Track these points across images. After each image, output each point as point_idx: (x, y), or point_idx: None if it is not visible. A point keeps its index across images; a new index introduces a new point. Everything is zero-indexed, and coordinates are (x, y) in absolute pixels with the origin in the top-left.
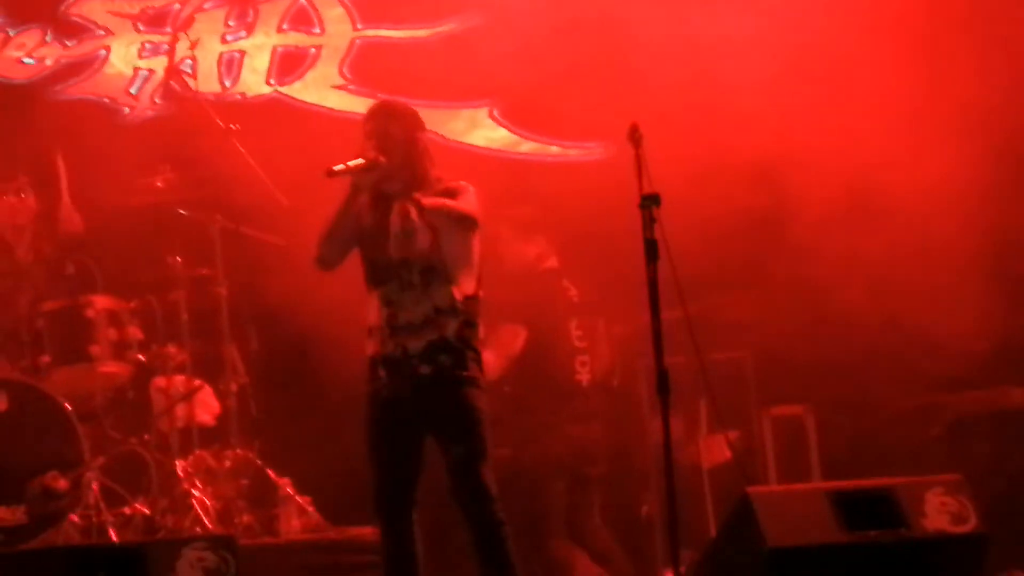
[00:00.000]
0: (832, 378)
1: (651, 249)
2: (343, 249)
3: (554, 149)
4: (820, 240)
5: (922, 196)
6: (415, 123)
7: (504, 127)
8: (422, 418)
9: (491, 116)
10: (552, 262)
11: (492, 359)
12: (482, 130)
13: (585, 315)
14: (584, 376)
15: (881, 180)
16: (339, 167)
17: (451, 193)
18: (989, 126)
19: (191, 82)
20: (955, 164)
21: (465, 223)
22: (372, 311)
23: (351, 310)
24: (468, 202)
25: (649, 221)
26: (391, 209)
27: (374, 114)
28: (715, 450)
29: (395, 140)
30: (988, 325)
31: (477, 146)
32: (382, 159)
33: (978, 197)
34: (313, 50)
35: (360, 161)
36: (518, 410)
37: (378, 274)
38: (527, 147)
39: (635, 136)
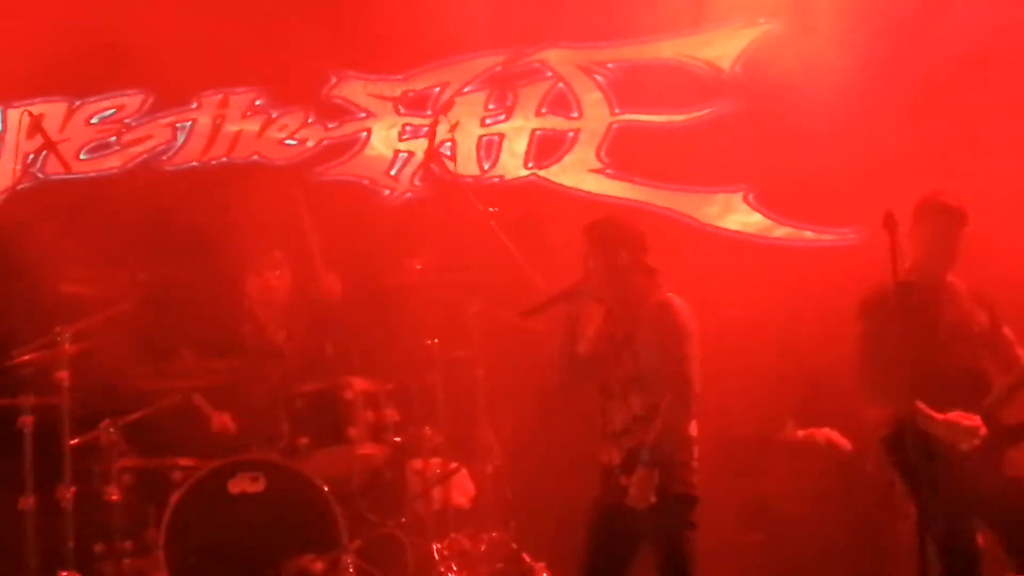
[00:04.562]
0: None
1: None
2: (576, 376)
3: (808, 234)
4: None
5: None
6: (617, 241)
7: (759, 212)
8: None
9: (746, 201)
10: None
11: None
12: (736, 215)
13: None
14: None
15: None
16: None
17: (659, 314)
18: None
19: (450, 165)
20: None
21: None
22: None
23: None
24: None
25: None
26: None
27: (584, 232)
28: None
29: (596, 261)
30: None
31: (731, 230)
32: (580, 287)
33: None
34: (571, 134)
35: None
36: None
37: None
38: (781, 232)
39: (890, 223)
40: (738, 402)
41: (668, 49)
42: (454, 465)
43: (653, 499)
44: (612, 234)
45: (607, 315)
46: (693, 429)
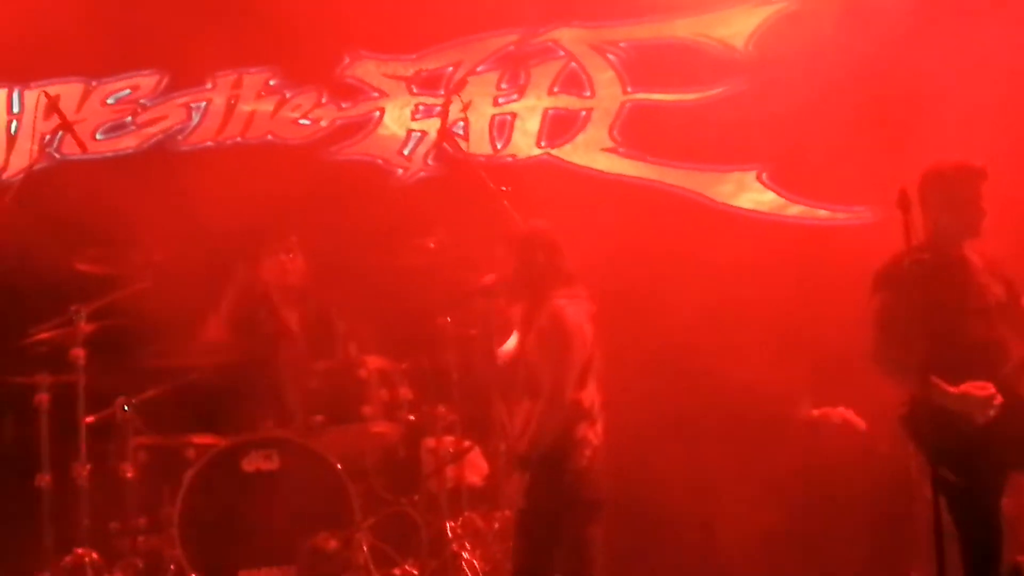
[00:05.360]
0: None
1: None
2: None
3: (822, 213)
4: None
5: None
6: (536, 245)
7: (772, 190)
8: None
9: (759, 179)
10: None
11: None
12: (750, 193)
13: None
14: None
15: None
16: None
17: (547, 320)
18: None
19: (463, 144)
20: None
21: None
22: None
23: (627, 370)
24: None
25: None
26: None
27: (504, 238)
28: None
29: (513, 263)
30: None
31: (745, 209)
32: (497, 285)
33: None
34: (583, 113)
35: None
36: None
37: None
38: (795, 210)
39: (904, 202)
40: (753, 381)
41: (682, 28)
42: (467, 443)
43: (522, 503)
44: (532, 238)
45: (521, 318)
46: (593, 435)
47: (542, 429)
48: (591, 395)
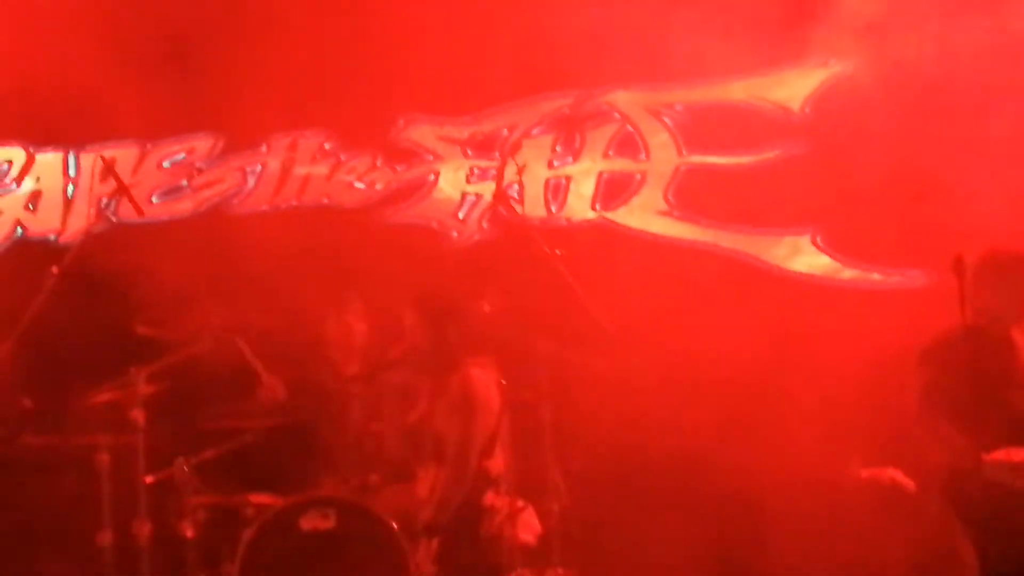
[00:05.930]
0: None
1: None
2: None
3: (875, 276)
4: None
5: None
6: (447, 314)
7: (827, 254)
8: None
9: (814, 243)
10: None
11: None
12: (805, 256)
13: None
14: None
15: None
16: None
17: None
18: None
19: (518, 207)
20: None
21: None
22: None
23: (681, 434)
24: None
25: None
26: None
27: (414, 306)
28: None
29: (424, 334)
30: None
31: (799, 272)
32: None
33: None
34: (638, 176)
35: None
36: None
37: None
38: (849, 274)
39: (959, 267)
40: (804, 443)
41: (737, 91)
42: (521, 503)
43: (431, 570)
44: (443, 308)
45: (431, 386)
46: (500, 503)
47: (446, 496)
48: (498, 463)
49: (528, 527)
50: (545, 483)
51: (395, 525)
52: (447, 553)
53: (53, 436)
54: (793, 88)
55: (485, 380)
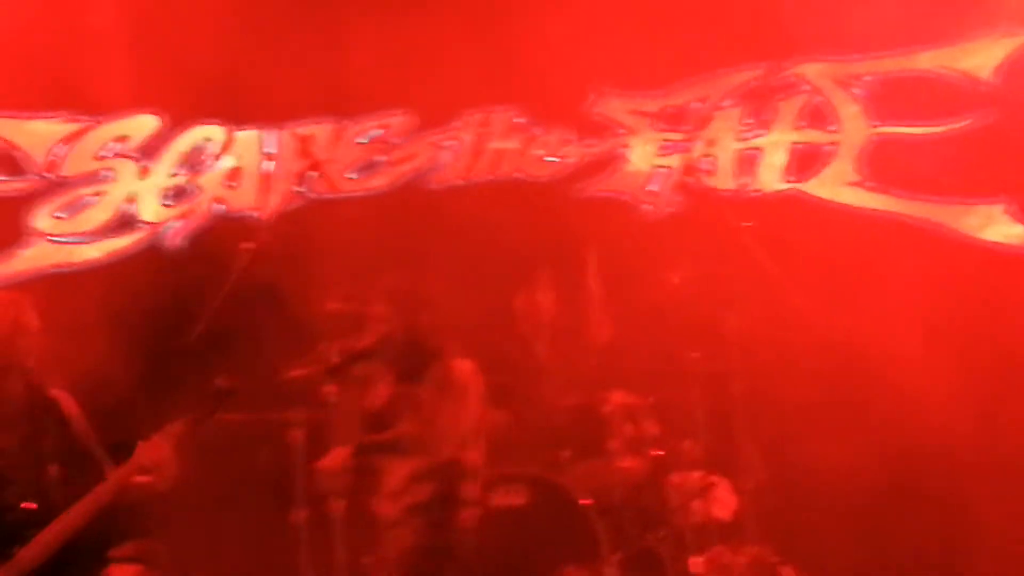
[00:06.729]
0: None
1: None
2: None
3: None
4: None
5: None
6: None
7: (1021, 223)
8: None
9: (1007, 213)
10: None
11: None
12: (998, 226)
13: None
14: None
15: None
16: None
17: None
18: None
19: (708, 179)
20: None
21: None
22: None
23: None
24: None
25: None
26: None
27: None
28: None
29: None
30: None
31: (993, 242)
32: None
33: None
34: (829, 147)
35: None
36: None
37: None
38: None
39: None
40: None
41: (926, 60)
42: (713, 479)
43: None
44: (414, 297)
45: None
46: (475, 494)
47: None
48: (476, 455)
49: (722, 503)
50: (738, 459)
51: (586, 501)
52: (635, 530)
53: (247, 413)
54: (982, 57)
55: (466, 371)
